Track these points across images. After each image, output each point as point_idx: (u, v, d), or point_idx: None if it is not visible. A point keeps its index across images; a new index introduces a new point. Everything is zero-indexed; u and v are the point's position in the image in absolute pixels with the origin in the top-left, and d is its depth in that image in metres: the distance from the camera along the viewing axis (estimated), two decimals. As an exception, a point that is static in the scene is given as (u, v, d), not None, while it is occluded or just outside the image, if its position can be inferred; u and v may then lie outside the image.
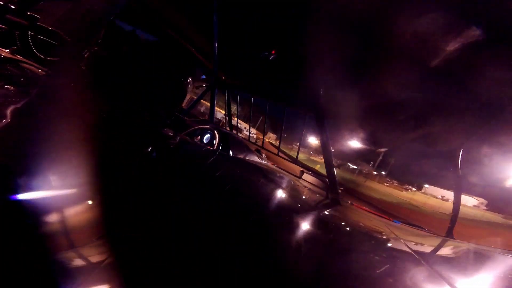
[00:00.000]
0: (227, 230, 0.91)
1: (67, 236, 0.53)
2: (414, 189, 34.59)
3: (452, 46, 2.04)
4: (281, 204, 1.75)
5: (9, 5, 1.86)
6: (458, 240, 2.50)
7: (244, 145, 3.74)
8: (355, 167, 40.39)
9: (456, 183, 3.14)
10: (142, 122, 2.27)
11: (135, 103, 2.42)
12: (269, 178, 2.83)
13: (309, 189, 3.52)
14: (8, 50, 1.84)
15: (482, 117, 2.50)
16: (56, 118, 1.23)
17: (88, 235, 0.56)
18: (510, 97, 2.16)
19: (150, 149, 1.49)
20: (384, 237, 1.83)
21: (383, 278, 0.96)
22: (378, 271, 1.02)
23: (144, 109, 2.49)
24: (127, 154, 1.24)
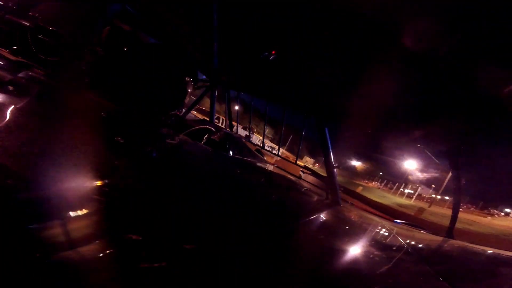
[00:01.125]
0: (227, 229, 0.91)
1: (68, 236, 0.53)
2: (501, 213, 25.83)
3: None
4: (282, 204, 1.75)
5: (9, 5, 1.86)
6: (458, 240, 2.50)
7: (245, 146, 3.73)
8: (410, 191, 30.95)
9: (456, 185, 3.14)
10: (142, 122, 2.27)
11: (135, 103, 2.42)
12: (270, 179, 2.83)
13: (310, 189, 3.52)
14: (8, 50, 1.84)
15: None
16: (56, 118, 1.23)
17: (88, 235, 0.55)
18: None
19: (150, 148, 1.49)
20: (384, 237, 1.83)
21: (383, 278, 0.96)
22: (378, 271, 1.02)
23: (144, 109, 2.49)
24: (127, 153, 1.24)
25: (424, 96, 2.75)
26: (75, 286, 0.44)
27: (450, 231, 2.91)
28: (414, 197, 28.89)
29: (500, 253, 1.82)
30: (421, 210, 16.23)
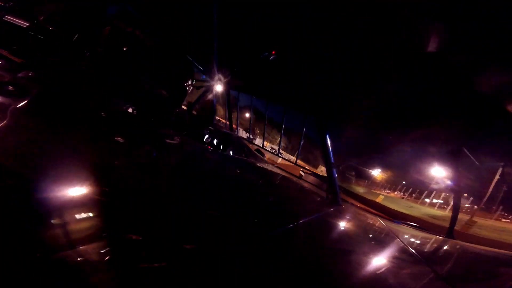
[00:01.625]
0: (227, 229, 0.91)
1: (68, 236, 0.53)
2: None
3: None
4: (281, 204, 1.75)
5: (10, 5, 1.86)
6: (458, 240, 2.50)
7: (245, 146, 3.73)
8: (440, 201, 25.59)
9: (456, 184, 3.14)
10: (142, 121, 2.27)
11: (135, 103, 2.42)
12: (270, 179, 2.83)
13: (310, 189, 3.52)
14: (8, 51, 1.84)
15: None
16: (56, 118, 1.23)
17: (88, 235, 0.56)
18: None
19: (150, 148, 1.49)
20: (384, 237, 1.83)
21: (383, 278, 0.96)
22: (378, 271, 1.02)
23: (145, 109, 2.49)
24: (127, 153, 1.24)
25: (425, 96, 2.75)
26: (75, 286, 0.44)
27: (450, 231, 2.91)
28: (449, 207, 23.33)
29: (500, 253, 1.82)
30: (471, 222, 11.88)
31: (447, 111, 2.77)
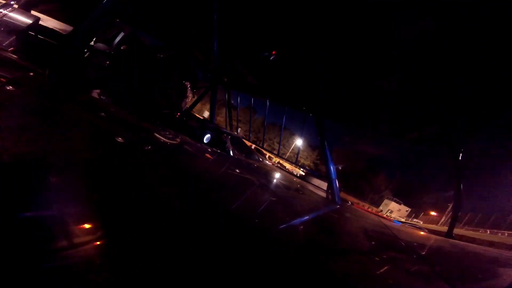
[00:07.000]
0: (227, 229, 0.91)
1: (68, 236, 0.53)
2: None
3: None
4: (282, 204, 1.75)
5: (11, 5, 1.86)
6: (458, 240, 2.50)
7: (245, 146, 3.73)
8: None
9: (456, 184, 3.14)
10: (143, 122, 2.27)
11: (136, 103, 2.42)
12: (270, 179, 2.83)
13: (310, 189, 3.52)
14: (9, 51, 1.84)
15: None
16: (56, 118, 1.23)
17: (88, 235, 0.55)
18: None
19: (150, 148, 1.49)
20: (384, 237, 1.83)
21: (383, 278, 0.96)
22: (378, 271, 1.02)
23: (145, 109, 2.48)
24: (127, 153, 1.24)
25: (425, 96, 2.75)
26: (75, 286, 0.44)
27: (450, 231, 2.91)
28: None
29: (500, 253, 1.82)
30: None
31: (443, 111, 2.70)
